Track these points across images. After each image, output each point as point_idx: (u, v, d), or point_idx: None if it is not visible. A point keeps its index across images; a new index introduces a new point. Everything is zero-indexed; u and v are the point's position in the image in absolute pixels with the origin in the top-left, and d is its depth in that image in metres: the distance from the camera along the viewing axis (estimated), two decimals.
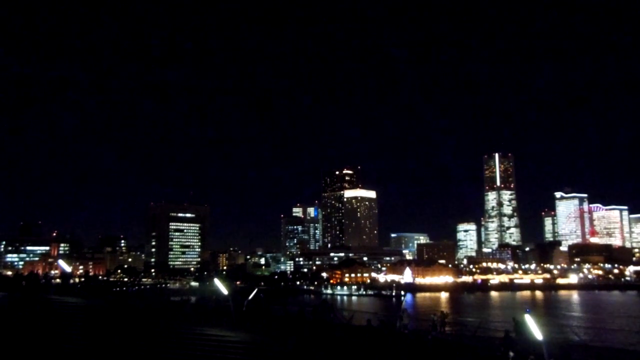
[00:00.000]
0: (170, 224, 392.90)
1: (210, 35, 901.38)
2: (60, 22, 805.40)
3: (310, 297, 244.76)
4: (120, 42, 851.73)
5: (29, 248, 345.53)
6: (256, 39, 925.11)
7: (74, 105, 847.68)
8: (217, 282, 41.84)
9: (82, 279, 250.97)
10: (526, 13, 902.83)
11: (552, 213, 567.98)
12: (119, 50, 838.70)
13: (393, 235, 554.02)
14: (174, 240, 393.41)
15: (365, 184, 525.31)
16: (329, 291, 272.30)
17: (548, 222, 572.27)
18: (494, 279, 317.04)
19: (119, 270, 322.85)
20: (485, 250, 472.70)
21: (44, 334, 41.80)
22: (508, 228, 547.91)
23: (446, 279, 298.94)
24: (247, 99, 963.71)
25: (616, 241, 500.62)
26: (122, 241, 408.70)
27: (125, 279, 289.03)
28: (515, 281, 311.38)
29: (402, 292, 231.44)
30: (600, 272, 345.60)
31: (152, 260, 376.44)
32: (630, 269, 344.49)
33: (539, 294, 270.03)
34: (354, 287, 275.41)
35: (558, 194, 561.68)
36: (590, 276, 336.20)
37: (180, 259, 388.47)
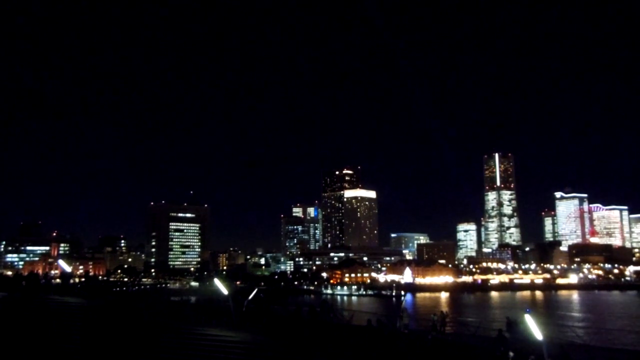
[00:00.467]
0: (170, 224, 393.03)
1: (207, 34, 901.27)
2: (60, 23, 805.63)
3: (311, 297, 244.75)
4: (119, 42, 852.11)
5: (29, 248, 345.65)
6: (255, 38, 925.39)
7: (74, 105, 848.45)
8: (217, 282, 41.82)
9: (82, 279, 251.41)
10: (527, 12, 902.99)
11: (552, 213, 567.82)
12: (118, 50, 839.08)
13: (393, 235, 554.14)
14: (174, 240, 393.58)
15: (365, 184, 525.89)
16: (329, 291, 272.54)
17: (548, 222, 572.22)
18: (494, 279, 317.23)
19: (119, 270, 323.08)
20: (485, 250, 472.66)
21: (44, 334, 41.83)
22: (508, 228, 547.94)
23: (446, 279, 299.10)
24: (247, 98, 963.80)
25: (616, 241, 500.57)
26: (122, 241, 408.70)
27: (125, 279, 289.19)
28: (515, 281, 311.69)
29: (402, 292, 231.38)
30: (600, 272, 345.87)
31: (152, 260, 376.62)
32: (630, 269, 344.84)
33: (539, 294, 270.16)
34: (354, 287, 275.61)
35: (558, 194, 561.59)
36: (590, 276, 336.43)
37: (180, 259, 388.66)
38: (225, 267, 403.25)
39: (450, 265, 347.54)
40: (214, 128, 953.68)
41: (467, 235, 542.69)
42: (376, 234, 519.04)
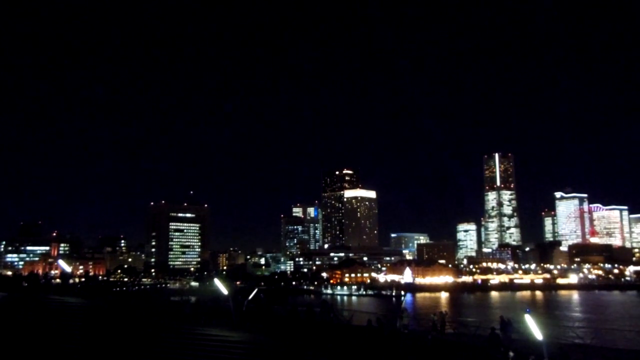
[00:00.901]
0: (170, 224, 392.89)
1: (207, 34, 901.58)
2: (60, 22, 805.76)
3: (311, 297, 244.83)
4: (120, 43, 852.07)
5: (29, 248, 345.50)
6: (255, 38, 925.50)
7: (74, 105, 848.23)
8: (217, 282, 41.76)
9: (82, 279, 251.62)
10: (526, 13, 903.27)
11: (552, 213, 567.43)
12: (117, 50, 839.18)
13: (393, 235, 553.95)
14: (174, 240, 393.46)
15: (365, 184, 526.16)
16: (329, 291, 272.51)
17: (548, 222, 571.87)
18: (494, 279, 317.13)
19: (119, 270, 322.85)
20: (485, 250, 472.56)
21: (44, 334, 41.80)
22: (508, 228, 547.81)
23: (446, 279, 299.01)
24: (247, 98, 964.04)
25: (616, 241, 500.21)
26: (122, 241, 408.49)
27: (125, 279, 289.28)
28: (515, 281, 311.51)
29: (402, 292, 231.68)
30: (600, 272, 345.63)
31: (152, 260, 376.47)
32: (630, 269, 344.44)
33: (539, 294, 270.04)
34: (354, 287, 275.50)
35: (558, 194, 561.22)
36: (590, 276, 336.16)
37: (180, 259, 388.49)
38: (225, 267, 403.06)
39: (450, 265, 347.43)
40: (214, 128, 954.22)
41: (467, 235, 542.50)
42: (376, 234, 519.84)
